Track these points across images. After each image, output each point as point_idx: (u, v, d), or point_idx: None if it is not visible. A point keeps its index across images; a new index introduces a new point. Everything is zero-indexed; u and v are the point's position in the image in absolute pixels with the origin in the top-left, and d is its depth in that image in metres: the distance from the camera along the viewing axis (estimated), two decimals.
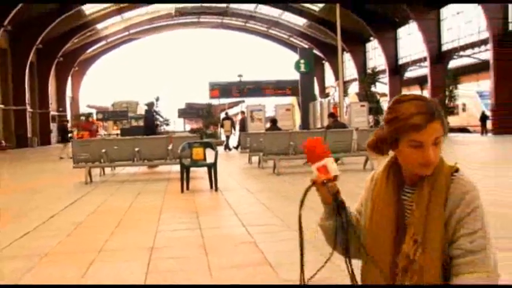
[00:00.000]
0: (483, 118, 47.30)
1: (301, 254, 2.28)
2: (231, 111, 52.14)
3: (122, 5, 59.88)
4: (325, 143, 2.33)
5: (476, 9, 45.17)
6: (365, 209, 2.42)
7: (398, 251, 2.23)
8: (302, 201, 2.27)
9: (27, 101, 54.94)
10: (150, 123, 24.12)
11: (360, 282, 2.39)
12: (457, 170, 2.24)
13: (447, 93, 47.07)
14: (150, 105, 25.24)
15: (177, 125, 67.36)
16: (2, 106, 49.93)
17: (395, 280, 2.22)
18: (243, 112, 42.65)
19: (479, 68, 51.30)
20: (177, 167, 15.45)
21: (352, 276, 2.25)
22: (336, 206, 2.29)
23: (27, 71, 54.60)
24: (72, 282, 5.45)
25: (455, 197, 2.16)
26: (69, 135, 35.78)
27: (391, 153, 2.34)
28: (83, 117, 61.15)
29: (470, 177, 2.24)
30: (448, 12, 51.57)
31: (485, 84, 49.88)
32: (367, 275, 2.33)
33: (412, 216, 2.22)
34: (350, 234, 2.32)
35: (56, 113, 66.24)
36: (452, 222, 2.14)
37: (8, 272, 6.08)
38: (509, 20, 43.29)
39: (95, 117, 64.75)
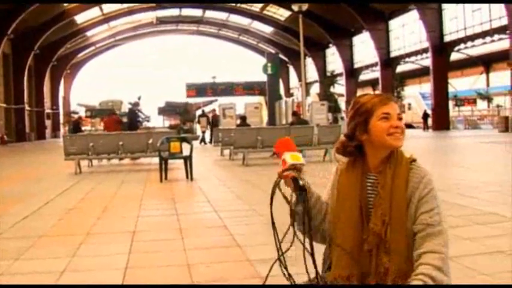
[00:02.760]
0: (425, 116, 48.17)
1: (278, 245, 2.23)
2: (206, 109, 51.98)
3: (108, 14, 59.58)
4: (292, 141, 2.36)
5: (418, 23, 45.92)
6: (331, 195, 2.42)
7: (362, 231, 2.26)
8: (272, 195, 2.23)
9: (25, 100, 54.59)
10: (134, 120, 23.99)
11: (321, 262, 2.40)
12: (414, 160, 2.30)
13: (395, 93, 47.61)
14: (135, 104, 25.16)
15: (157, 122, 67.12)
16: (4, 105, 49.68)
17: (361, 258, 2.24)
18: (214, 110, 42.75)
19: (421, 72, 52.10)
20: (156, 159, 15.44)
21: (312, 255, 2.17)
22: (295, 191, 2.25)
23: (26, 73, 54.33)
24: (64, 260, 5.43)
25: (415, 181, 2.23)
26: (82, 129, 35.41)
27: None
28: (73, 115, 60.58)
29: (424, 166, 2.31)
30: (395, 23, 52.16)
31: (427, 86, 50.55)
32: (333, 252, 2.33)
33: (379, 198, 2.26)
34: (313, 216, 2.31)
35: (50, 111, 66.11)
36: (414, 201, 2.20)
37: (11, 249, 6.09)
38: (444, 33, 43.97)
39: (83, 114, 64.28)
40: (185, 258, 5.50)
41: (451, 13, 43.51)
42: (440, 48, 43.80)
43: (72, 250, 5.97)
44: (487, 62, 50.02)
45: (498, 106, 50.19)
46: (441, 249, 2.13)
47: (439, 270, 2.08)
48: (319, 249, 2.38)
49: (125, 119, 28.29)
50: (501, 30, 37.87)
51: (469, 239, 5.81)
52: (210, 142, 33.46)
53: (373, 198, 2.29)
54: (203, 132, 36.60)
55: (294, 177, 2.24)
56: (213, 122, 36.37)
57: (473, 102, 53.19)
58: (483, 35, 40.58)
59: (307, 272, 2.20)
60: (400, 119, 2.29)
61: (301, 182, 2.24)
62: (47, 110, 64.14)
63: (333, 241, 2.34)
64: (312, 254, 2.17)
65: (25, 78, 54.36)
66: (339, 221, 2.33)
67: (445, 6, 43.92)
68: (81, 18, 57.82)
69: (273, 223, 2.26)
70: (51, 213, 8.75)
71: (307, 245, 2.17)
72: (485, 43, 41.96)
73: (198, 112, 46.79)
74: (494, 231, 6.20)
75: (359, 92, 56.90)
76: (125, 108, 63.58)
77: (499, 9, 37.14)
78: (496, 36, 39.61)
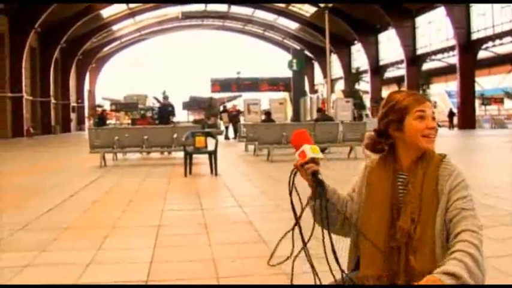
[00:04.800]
0: (450, 114, 47.91)
1: (301, 235, 2.23)
2: (230, 104, 52.02)
3: (134, 8, 59.92)
4: (309, 134, 2.33)
5: (445, 20, 45.40)
6: (359, 193, 2.39)
7: (392, 229, 2.23)
8: (290, 185, 2.25)
9: (51, 93, 55.24)
10: (164, 115, 24.00)
11: (347, 258, 2.40)
12: (445, 157, 2.27)
13: (421, 91, 47.28)
14: (164, 98, 25.20)
15: (182, 116, 67.37)
16: (30, 98, 50.13)
17: (392, 255, 2.21)
18: (234, 105, 42.81)
19: (447, 70, 51.54)
20: (181, 154, 15.46)
21: (333, 249, 2.15)
22: (314, 184, 2.25)
23: (52, 67, 54.89)
24: (89, 253, 5.45)
25: (444, 175, 2.20)
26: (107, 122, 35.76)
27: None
28: (98, 108, 61.04)
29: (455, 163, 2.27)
30: (421, 21, 51.66)
31: (453, 85, 50.09)
32: (364, 251, 2.30)
33: (409, 196, 2.23)
34: (330, 209, 2.28)
35: (76, 104, 66.79)
36: (445, 192, 2.17)
37: (36, 241, 6.13)
38: (471, 31, 43.41)
39: (108, 108, 64.83)
40: (210, 253, 5.49)
41: (479, 10, 42.92)
42: (468, 46, 43.23)
43: (98, 243, 5.99)
44: None
45: None
46: (477, 230, 2.09)
47: (477, 248, 2.02)
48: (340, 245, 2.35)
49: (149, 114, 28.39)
50: None
51: (496, 239, 5.73)
52: (232, 137, 33.50)
53: (403, 196, 2.26)
54: (226, 127, 36.66)
55: (315, 171, 2.23)
56: (233, 118, 36.60)
57: (501, 101, 52.64)
58: None
59: (331, 272, 2.16)
60: (433, 118, 2.27)
61: (320, 177, 2.24)
62: (73, 103, 64.78)
63: (362, 240, 2.31)
64: (334, 251, 2.13)
65: (51, 71, 54.96)
66: (369, 220, 2.31)
67: (473, 2, 43.30)
68: (107, 12, 58.24)
69: (295, 213, 2.27)
70: (75, 206, 8.80)
71: (327, 241, 2.13)
72: None
73: (221, 108, 46.87)
74: None
75: (384, 90, 56.88)
76: (150, 102, 63.95)
77: None
78: None
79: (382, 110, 2.36)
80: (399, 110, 2.27)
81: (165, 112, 24.18)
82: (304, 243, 2.20)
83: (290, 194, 2.26)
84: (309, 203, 2.31)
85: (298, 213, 2.27)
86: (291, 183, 2.26)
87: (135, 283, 4.55)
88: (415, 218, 2.19)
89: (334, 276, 2.19)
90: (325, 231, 2.19)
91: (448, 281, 1.87)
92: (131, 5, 58.55)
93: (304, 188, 2.31)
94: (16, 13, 44.46)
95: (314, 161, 2.25)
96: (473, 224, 2.09)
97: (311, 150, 2.25)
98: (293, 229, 2.24)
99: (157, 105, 60.82)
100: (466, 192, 2.17)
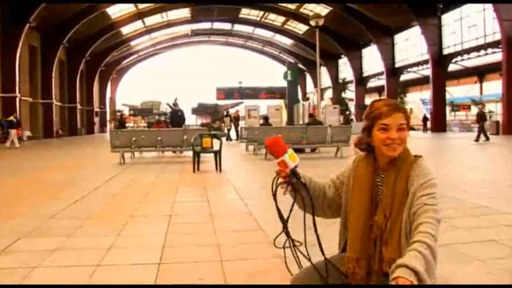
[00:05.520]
0: (424, 119, 48.41)
1: (285, 227, 2.30)
2: (232, 110, 52.08)
3: (150, 27, 60.06)
4: (282, 139, 2.30)
5: (420, 37, 45.64)
6: (347, 183, 2.41)
7: (371, 221, 2.25)
8: (272, 189, 2.26)
9: (77, 100, 55.53)
10: (175, 119, 23.95)
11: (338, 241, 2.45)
12: (419, 159, 2.27)
13: (399, 99, 47.48)
14: (174, 105, 25.19)
15: (191, 120, 67.46)
16: (59, 104, 50.46)
17: (369, 242, 2.25)
18: (237, 111, 43.19)
19: (422, 81, 51.78)
20: (190, 153, 15.47)
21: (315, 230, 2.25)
22: (292, 176, 2.25)
23: (78, 77, 55.39)
24: (110, 239, 5.47)
25: (415, 174, 2.20)
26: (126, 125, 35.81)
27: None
28: (118, 113, 61.19)
29: (429, 164, 2.26)
30: (399, 38, 51.95)
31: (427, 93, 50.21)
32: (349, 235, 2.33)
33: (383, 195, 2.25)
34: (314, 198, 2.35)
35: (98, 110, 67.08)
36: (412, 190, 2.17)
37: (64, 228, 6.16)
38: (443, 47, 43.60)
39: (127, 113, 64.97)
40: (215, 239, 5.51)
41: (449, 28, 43.11)
42: (439, 60, 43.40)
43: (117, 230, 6.01)
44: (481, 73, 49.30)
45: (490, 112, 49.70)
46: (435, 222, 2.08)
47: (434, 238, 2.03)
48: (332, 230, 2.36)
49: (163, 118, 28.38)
50: (494, 44, 37.39)
51: (464, 228, 5.74)
52: (235, 139, 33.56)
53: (380, 194, 2.28)
54: (228, 130, 36.83)
55: (292, 171, 2.25)
56: (235, 121, 37.23)
57: (468, 108, 52.46)
58: (478, 48, 40.11)
59: (322, 253, 2.21)
60: (401, 129, 2.23)
61: (296, 171, 2.26)
62: (96, 109, 65.24)
63: (347, 225, 2.35)
64: (317, 235, 2.23)
65: (77, 81, 55.43)
66: (352, 209, 2.33)
67: (444, 22, 43.59)
68: (126, 30, 58.38)
69: (278, 210, 2.31)
70: (98, 198, 8.81)
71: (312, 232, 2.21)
72: (479, 56, 41.37)
73: (224, 112, 46.99)
74: (486, 222, 6.14)
75: (367, 97, 57.06)
76: (163, 108, 63.95)
77: (493, 25, 36.70)
78: (489, 50, 39.10)
79: (365, 114, 2.37)
80: (372, 118, 2.28)
81: (175, 116, 24.15)
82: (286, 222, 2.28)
83: (273, 196, 2.26)
84: (291, 194, 2.32)
85: (283, 213, 2.30)
86: (273, 187, 2.26)
87: (150, 264, 4.56)
88: (387, 214, 2.21)
89: (324, 256, 2.24)
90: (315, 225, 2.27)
91: (411, 278, 1.87)
92: (147, 23, 58.59)
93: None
94: (47, 30, 44.81)
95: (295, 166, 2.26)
96: (432, 217, 2.08)
97: (290, 159, 2.23)
98: (283, 231, 2.29)
99: (169, 110, 61.00)
100: (432, 190, 2.15)
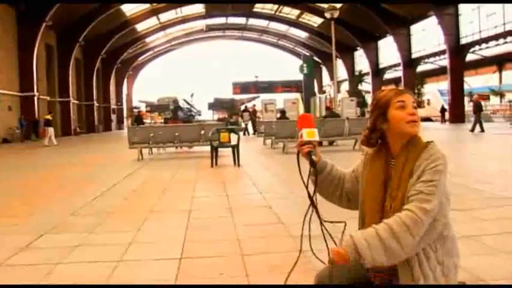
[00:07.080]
0: (442, 110, 47.73)
1: (314, 207, 2.26)
2: (248, 105, 52.22)
3: (165, 22, 60.16)
4: (314, 121, 2.36)
5: (437, 27, 45.10)
6: (361, 175, 2.40)
7: (383, 205, 2.23)
8: (298, 164, 2.29)
9: (94, 97, 55.94)
10: (176, 113, 24.09)
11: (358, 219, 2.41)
12: (430, 143, 2.22)
13: (416, 91, 47.11)
14: (175, 101, 25.32)
15: (207, 115, 67.65)
16: (76, 102, 51.04)
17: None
18: (254, 105, 43.22)
19: (439, 72, 51.15)
20: (207, 148, 15.48)
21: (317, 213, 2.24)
22: (309, 160, 2.30)
23: (94, 75, 55.74)
24: (130, 234, 5.49)
25: (424, 157, 2.15)
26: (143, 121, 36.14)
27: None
28: (135, 110, 61.62)
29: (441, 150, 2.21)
30: (416, 28, 51.31)
31: (444, 84, 49.65)
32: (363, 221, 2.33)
33: (392, 178, 2.23)
34: (327, 183, 2.43)
35: (115, 107, 67.50)
36: (417, 172, 2.12)
37: (85, 224, 6.22)
38: (460, 37, 43.09)
39: (144, 109, 65.33)
40: (235, 234, 5.50)
41: (467, 18, 42.61)
42: (457, 50, 42.93)
43: (137, 225, 6.04)
44: (500, 62, 48.63)
45: (510, 101, 49.09)
46: (418, 212, 2.04)
47: (405, 226, 2.02)
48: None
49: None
50: None
51: (489, 220, 5.67)
52: (252, 133, 33.57)
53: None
54: (246, 124, 36.83)
55: (309, 151, 2.30)
56: (251, 116, 37.05)
57: (487, 98, 51.91)
58: (496, 37, 39.59)
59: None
60: (415, 107, 2.24)
61: (313, 157, 2.30)
62: (113, 106, 65.58)
63: (365, 220, 2.32)
64: (315, 206, 2.24)
65: (94, 79, 55.77)
66: (365, 202, 2.32)
67: (461, 11, 43.07)
68: (141, 26, 58.47)
69: (306, 186, 2.29)
70: (118, 194, 8.88)
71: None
72: (498, 44, 40.80)
73: (242, 107, 47.08)
74: (511, 213, 6.05)
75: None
76: (181, 103, 64.25)
77: None
78: (508, 38, 38.56)
79: (370, 110, 2.38)
80: (382, 105, 2.27)
81: (176, 112, 24.28)
82: (318, 213, 2.24)
83: (299, 170, 2.30)
84: (310, 178, 2.35)
85: (309, 189, 2.29)
86: (298, 162, 2.31)
87: (171, 260, 4.56)
88: (393, 196, 2.18)
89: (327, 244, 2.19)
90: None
91: (348, 249, 1.98)
92: (162, 19, 58.68)
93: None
94: (63, 29, 45.18)
95: (311, 142, 2.30)
96: (418, 206, 2.04)
97: (307, 134, 2.29)
98: (311, 201, 2.27)
99: (186, 106, 61.17)
100: (435, 176, 2.09)
